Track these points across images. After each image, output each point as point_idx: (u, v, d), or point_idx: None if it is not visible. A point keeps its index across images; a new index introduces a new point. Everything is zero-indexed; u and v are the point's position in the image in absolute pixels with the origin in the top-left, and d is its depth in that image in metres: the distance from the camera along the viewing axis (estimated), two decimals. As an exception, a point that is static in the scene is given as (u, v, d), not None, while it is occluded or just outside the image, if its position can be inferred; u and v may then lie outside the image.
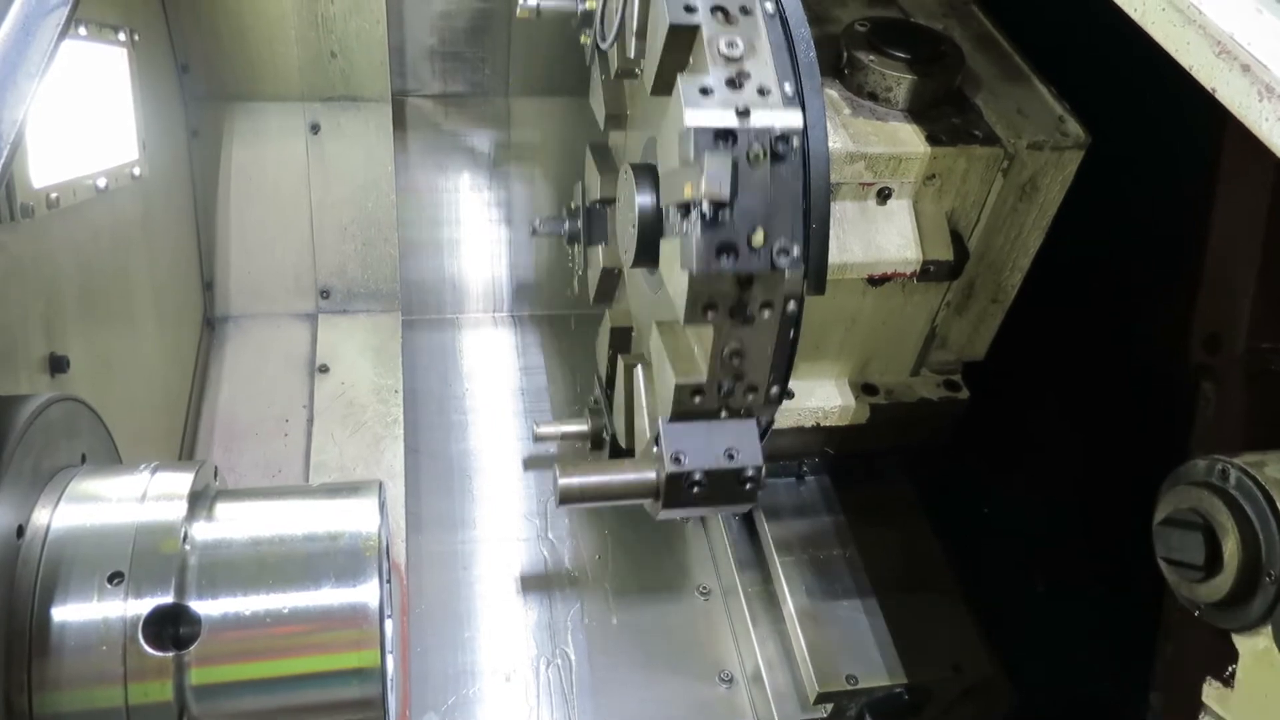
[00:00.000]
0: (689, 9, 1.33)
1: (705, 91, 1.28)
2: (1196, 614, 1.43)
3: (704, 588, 2.15)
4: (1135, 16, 1.19)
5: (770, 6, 1.36)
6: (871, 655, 1.84)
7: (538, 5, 1.87)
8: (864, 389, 1.98)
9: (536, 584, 2.15)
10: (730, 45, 1.31)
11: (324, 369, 2.30)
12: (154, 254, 1.98)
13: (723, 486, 1.48)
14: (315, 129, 2.32)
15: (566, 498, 1.58)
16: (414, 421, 2.34)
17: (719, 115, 1.27)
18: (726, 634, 2.08)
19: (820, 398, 1.96)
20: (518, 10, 1.86)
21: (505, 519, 2.25)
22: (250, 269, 2.38)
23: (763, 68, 1.30)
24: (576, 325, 2.56)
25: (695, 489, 1.47)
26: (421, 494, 2.24)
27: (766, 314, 1.36)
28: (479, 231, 2.62)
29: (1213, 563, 1.37)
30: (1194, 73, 1.09)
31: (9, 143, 0.83)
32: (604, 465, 1.71)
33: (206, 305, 2.36)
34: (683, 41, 1.33)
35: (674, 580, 2.18)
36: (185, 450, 2.08)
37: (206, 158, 2.29)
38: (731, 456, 1.48)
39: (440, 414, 2.42)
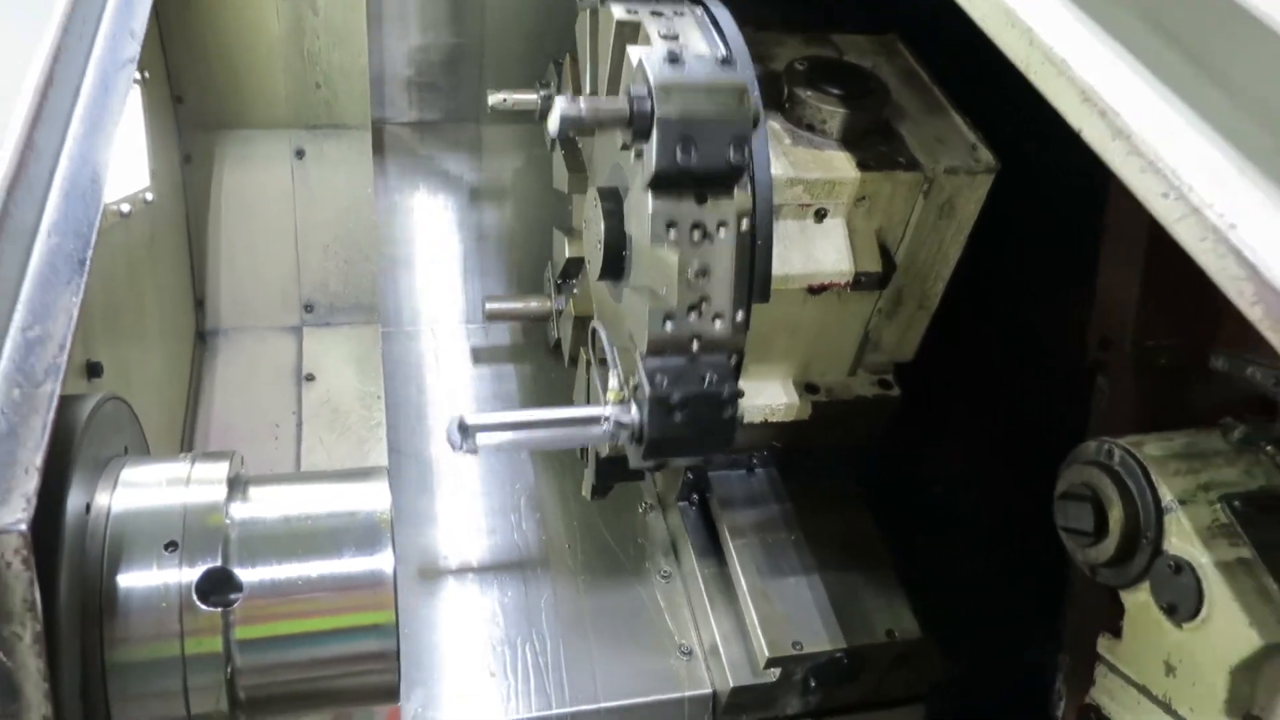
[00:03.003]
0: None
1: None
2: (1091, 575, 1.67)
3: (665, 572, 2.36)
4: (1021, 67, 1.43)
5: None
6: (815, 625, 2.07)
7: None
8: (806, 388, 2.20)
9: (512, 572, 2.34)
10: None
11: (310, 378, 2.47)
12: (158, 272, 2.14)
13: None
14: (300, 154, 2.50)
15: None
16: (395, 425, 2.52)
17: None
18: (686, 612, 2.29)
19: (767, 396, 2.17)
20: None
21: (482, 514, 2.44)
22: (238, 285, 2.55)
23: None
24: (539, 332, 2.77)
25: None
26: (404, 491, 2.43)
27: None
28: (453, 248, 2.81)
29: (1101, 529, 1.60)
30: (1065, 116, 1.33)
31: (103, 182, 1.02)
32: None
33: (199, 320, 2.53)
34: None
35: (638, 566, 2.38)
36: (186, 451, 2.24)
37: (198, 182, 2.46)
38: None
39: (419, 419, 2.60)
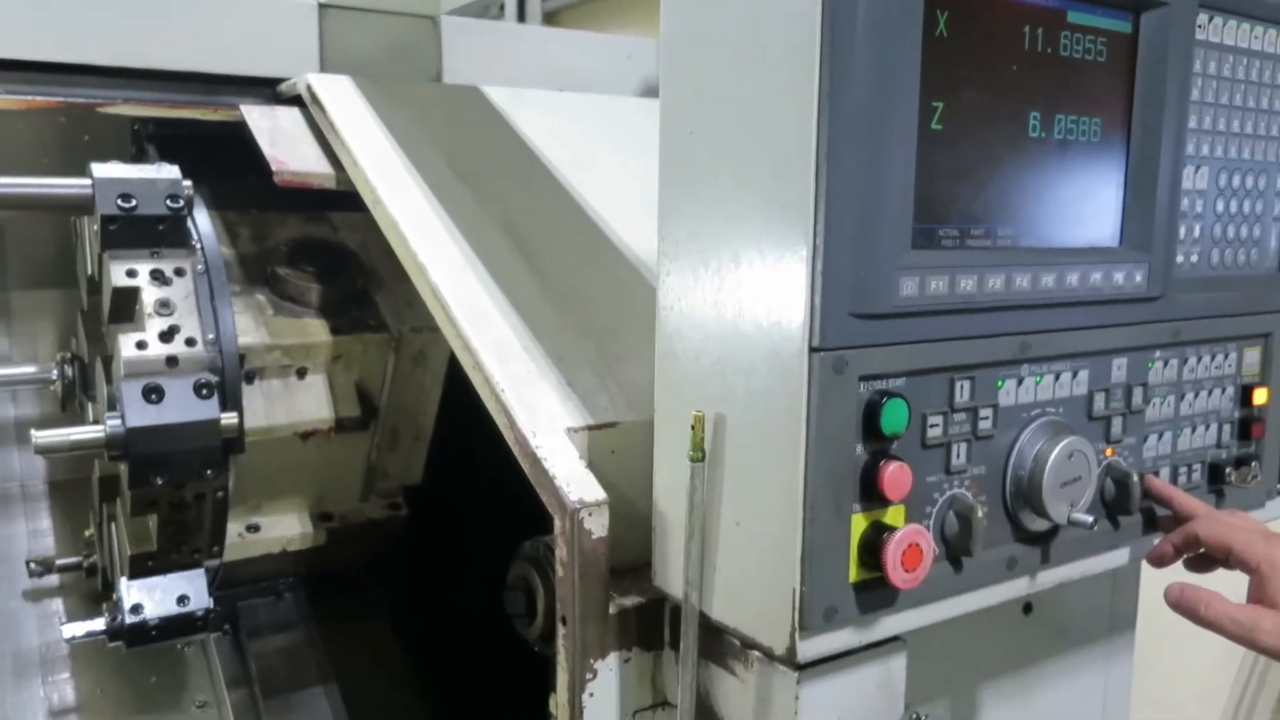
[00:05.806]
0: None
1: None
2: (535, 650, 2.07)
3: (200, 701, 2.51)
4: (406, 267, 1.87)
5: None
6: (329, 731, 2.34)
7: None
8: (321, 517, 2.50)
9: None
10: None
11: None
12: None
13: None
14: None
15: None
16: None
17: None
18: (225, 740, 2.47)
19: (283, 528, 2.43)
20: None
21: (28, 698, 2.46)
22: None
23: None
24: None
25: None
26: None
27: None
28: (-19, 412, 2.86)
29: (531, 612, 2.02)
30: (427, 304, 1.78)
31: None
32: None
33: None
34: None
35: (175, 699, 2.52)
36: None
37: None
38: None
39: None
